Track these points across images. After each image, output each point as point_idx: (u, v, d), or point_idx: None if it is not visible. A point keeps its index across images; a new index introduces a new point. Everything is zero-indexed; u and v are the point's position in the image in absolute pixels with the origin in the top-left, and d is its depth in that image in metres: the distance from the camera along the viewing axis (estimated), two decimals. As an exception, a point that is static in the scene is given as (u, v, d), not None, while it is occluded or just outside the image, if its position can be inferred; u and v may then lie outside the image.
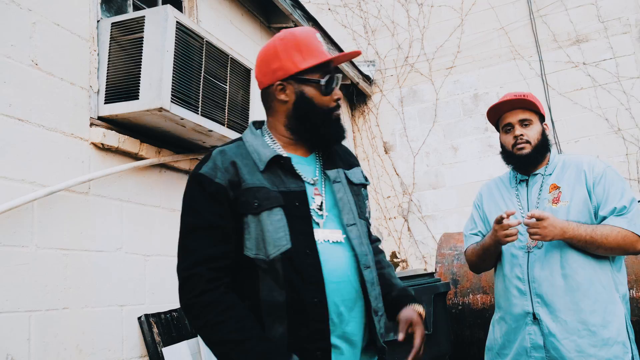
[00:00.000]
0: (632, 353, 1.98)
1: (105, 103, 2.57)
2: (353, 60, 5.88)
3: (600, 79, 5.42)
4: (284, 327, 1.34)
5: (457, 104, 5.98)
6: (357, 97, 6.29)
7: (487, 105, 5.80)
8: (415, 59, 6.22)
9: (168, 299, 2.78)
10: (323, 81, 1.44)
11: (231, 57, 2.95)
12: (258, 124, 1.57)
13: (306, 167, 1.50)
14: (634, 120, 5.24)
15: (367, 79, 6.16)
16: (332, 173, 1.52)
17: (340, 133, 1.52)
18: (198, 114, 2.67)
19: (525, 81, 5.70)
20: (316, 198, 1.45)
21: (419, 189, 6.01)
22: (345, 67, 5.51)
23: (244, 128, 3.08)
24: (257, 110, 3.65)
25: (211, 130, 2.78)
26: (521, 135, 2.13)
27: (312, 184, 1.47)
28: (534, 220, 1.94)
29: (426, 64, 6.17)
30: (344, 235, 1.46)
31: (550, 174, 2.16)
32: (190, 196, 1.42)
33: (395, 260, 5.92)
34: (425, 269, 4.49)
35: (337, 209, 1.47)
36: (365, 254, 1.46)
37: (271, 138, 1.50)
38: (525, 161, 2.14)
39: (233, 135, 2.94)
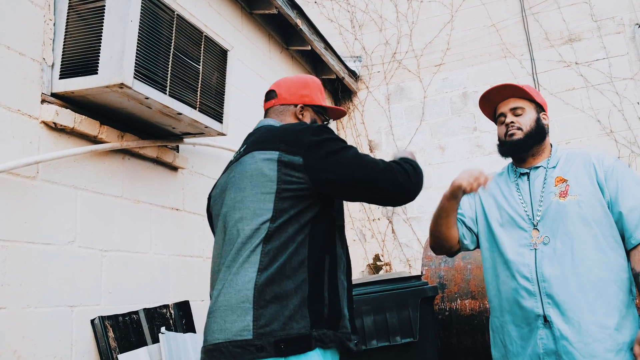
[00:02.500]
0: None
1: (60, 78, 2.29)
2: (339, 54, 5.64)
3: (592, 79, 5.26)
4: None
5: (446, 102, 5.78)
6: (342, 93, 6.06)
7: (476, 105, 5.60)
8: (403, 55, 6.01)
9: (127, 299, 2.50)
10: (329, 122, 1.99)
11: (206, 35, 2.69)
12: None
13: None
14: (627, 122, 5.08)
15: (353, 74, 5.93)
16: None
17: None
18: (165, 93, 2.40)
19: (516, 80, 5.51)
20: None
21: (405, 189, 5.78)
22: (330, 60, 5.28)
23: (219, 114, 2.81)
24: (233, 95, 3.38)
25: (180, 113, 2.51)
26: (512, 122, 2.06)
27: None
28: None
29: (414, 61, 5.96)
30: None
31: (554, 167, 2.02)
32: (337, 138, 1.68)
33: (378, 263, 5.68)
34: (409, 273, 4.27)
35: None
36: None
37: None
38: (517, 147, 2.04)
39: (205, 119, 2.68)
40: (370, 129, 6.02)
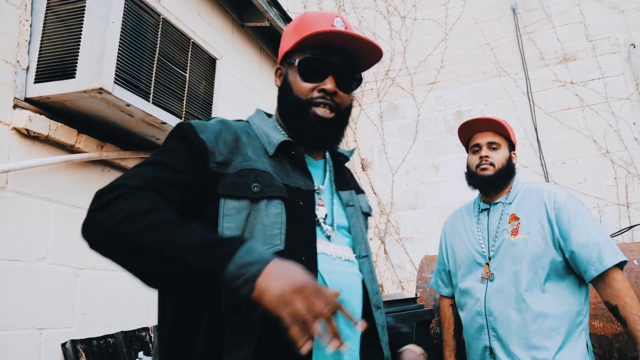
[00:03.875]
0: None
1: (35, 82, 2.15)
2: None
3: (588, 99, 5.19)
4: (250, 349, 0.98)
5: (439, 120, 5.68)
6: (334, 110, 5.94)
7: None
8: (397, 73, 5.93)
9: (103, 321, 2.32)
10: (296, 61, 1.20)
11: (193, 42, 2.56)
12: (266, 114, 1.33)
13: (316, 170, 1.26)
14: (623, 142, 5.00)
15: (346, 91, 5.82)
16: (345, 195, 1.29)
17: (316, 135, 1.20)
18: (149, 101, 2.26)
19: (510, 99, 5.44)
20: (320, 209, 1.19)
21: (397, 209, 5.65)
22: (322, 76, 5.18)
23: (206, 124, 2.67)
24: (221, 105, 3.25)
25: (164, 123, 2.36)
26: (487, 156, 2.12)
27: (317, 192, 1.22)
28: None
29: (408, 79, 5.88)
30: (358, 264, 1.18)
31: (511, 203, 2.11)
32: (166, 139, 1.15)
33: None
34: (403, 295, 4.11)
35: (348, 236, 1.23)
36: (376, 293, 1.22)
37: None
38: (486, 183, 2.12)
39: (191, 130, 2.53)
40: (363, 147, 5.90)
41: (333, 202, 1.24)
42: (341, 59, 1.20)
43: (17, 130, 2.06)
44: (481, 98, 5.57)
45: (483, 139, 2.16)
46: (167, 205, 1.00)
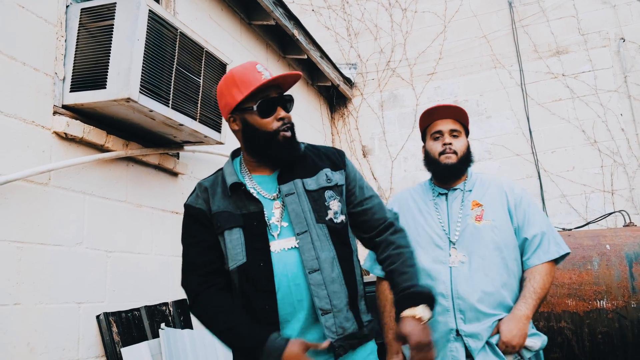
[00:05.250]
0: None
1: (70, 91, 2.47)
2: (334, 62, 5.83)
3: (578, 90, 5.46)
4: None
5: (437, 110, 5.96)
6: (337, 100, 6.24)
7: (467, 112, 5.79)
8: (397, 64, 6.20)
9: (130, 297, 2.68)
10: (255, 107, 1.59)
11: (206, 50, 2.87)
12: (236, 153, 1.78)
13: (269, 184, 1.67)
14: (610, 133, 5.28)
15: (348, 81, 6.11)
16: (284, 187, 1.64)
17: (287, 153, 1.63)
18: (168, 106, 2.58)
19: (505, 90, 5.71)
20: (276, 211, 1.62)
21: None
22: (326, 68, 5.46)
23: (217, 124, 3.00)
24: (231, 107, 3.56)
25: (182, 124, 2.69)
26: (450, 144, 2.15)
27: (273, 200, 1.63)
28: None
29: (407, 69, 6.15)
30: (297, 241, 1.60)
31: (470, 190, 2.19)
32: (183, 224, 1.71)
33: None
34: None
35: (288, 221, 1.61)
36: (313, 258, 1.56)
37: (241, 164, 1.72)
38: (450, 171, 2.15)
39: (205, 130, 2.86)
40: (364, 135, 6.20)
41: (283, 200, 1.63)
42: (276, 91, 1.63)
43: (57, 133, 2.39)
44: (477, 89, 5.84)
45: (445, 126, 2.16)
46: (221, 289, 1.64)
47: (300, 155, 1.69)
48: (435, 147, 2.17)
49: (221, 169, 1.72)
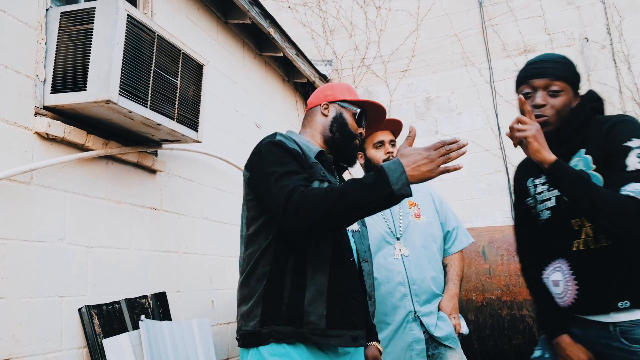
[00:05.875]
0: None
1: (51, 93, 2.55)
2: (310, 58, 5.94)
3: (544, 88, 5.66)
4: (325, 277, 1.67)
5: (410, 106, 6.14)
6: (313, 96, 6.36)
7: (438, 109, 5.98)
8: (372, 61, 6.35)
9: (111, 290, 2.79)
10: (357, 110, 1.94)
11: (183, 52, 2.97)
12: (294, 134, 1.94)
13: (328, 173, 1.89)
14: (574, 129, 5.51)
15: (324, 78, 6.24)
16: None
17: (355, 157, 1.97)
18: (147, 107, 2.68)
19: (475, 87, 5.91)
20: None
21: (371, 188, 6.14)
22: (302, 65, 5.58)
23: (194, 123, 3.10)
24: (208, 106, 3.67)
25: (160, 124, 2.79)
26: (392, 152, 2.60)
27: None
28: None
29: (382, 66, 6.31)
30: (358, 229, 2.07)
31: None
32: (274, 154, 1.67)
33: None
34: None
35: None
36: (365, 250, 2.02)
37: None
38: None
39: (182, 129, 2.97)
40: (340, 130, 6.34)
41: None
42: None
43: (39, 134, 2.48)
44: (448, 86, 6.03)
45: (387, 136, 2.61)
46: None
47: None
48: (379, 155, 2.59)
49: (282, 135, 1.80)
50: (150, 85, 2.72)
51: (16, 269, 2.29)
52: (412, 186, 2.46)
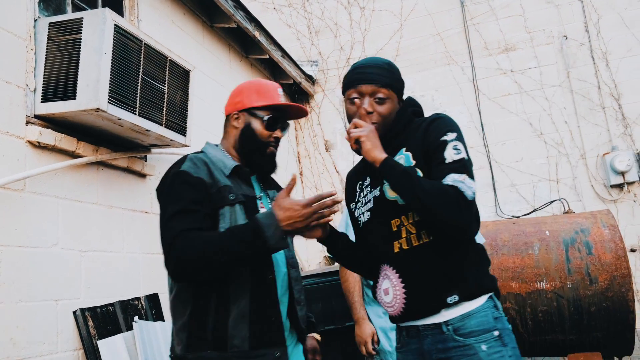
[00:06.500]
0: None
1: (42, 102, 2.62)
2: (296, 60, 6.02)
3: (525, 86, 5.80)
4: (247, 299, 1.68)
5: (395, 105, 6.23)
6: (299, 97, 6.45)
7: (423, 108, 6.07)
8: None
9: (104, 293, 2.86)
10: (266, 117, 1.84)
11: (170, 59, 3.04)
12: (214, 144, 1.93)
13: (253, 183, 1.87)
14: (555, 125, 5.65)
15: (310, 78, 6.32)
16: (272, 193, 1.91)
17: (269, 165, 1.89)
18: (136, 114, 2.76)
19: (458, 86, 6.02)
20: (261, 210, 1.78)
21: (358, 186, 6.24)
22: (287, 67, 5.66)
23: (182, 128, 3.18)
24: (195, 111, 3.74)
25: (149, 130, 2.87)
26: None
27: (258, 199, 1.82)
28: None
29: (367, 66, 6.38)
30: None
31: None
32: (173, 188, 1.69)
33: (330, 257, 6.12)
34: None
35: None
36: (292, 257, 1.87)
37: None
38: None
39: (170, 134, 3.04)
40: (327, 130, 6.44)
41: (268, 202, 1.87)
42: (284, 115, 1.91)
43: (30, 142, 2.54)
44: (432, 85, 6.13)
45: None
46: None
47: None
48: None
49: (201, 152, 1.84)
50: (139, 92, 2.79)
51: (12, 274, 2.35)
52: None
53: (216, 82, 4.51)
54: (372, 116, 1.69)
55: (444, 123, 1.65)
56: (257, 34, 4.88)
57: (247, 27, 4.71)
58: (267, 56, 5.24)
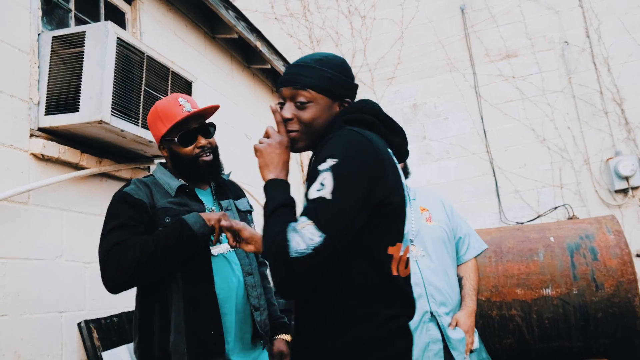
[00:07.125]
0: None
1: (45, 114, 2.63)
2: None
3: (527, 92, 5.81)
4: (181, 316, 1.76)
5: (398, 112, 6.25)
6: (302, 105, 6.46)
7: (425, 115, 6.10)
8: (358, 69, 6.46)
9: (108, 304, 2.86)
10: (176, 139, 1.90)
11: (172, 71, 3.06)
12: (165, 164, 2.04)
13: (206, 197, 1.98)
14: (557, 130, 5.65)
15: (312, 87, 6.33)
16: (224, 202, 1.99)
17: (208, 174, 1.96)
18: (138, 125, 2.77)
19: (460, 93, 6.03)
20: None
21: (361, 194, 6.23)
22: (289, 76, 5.67)
23: (185, 138, 3.19)
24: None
25: (152, 142, 2.88)
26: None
27: (211, 211, 1.92)
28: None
29: (368, 74, 6.42)
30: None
31: (414, 199, 2.65)
32: (113, 208, 1.83)
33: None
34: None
35: None
36: (248, 264, 1.92)
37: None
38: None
39: (174, 145, 3.05)
40: (329, 138, 6.44)
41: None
42: (197, 121, 1.93)
43: (34, 155, 2.56)
44: (434, 92, 6.15)
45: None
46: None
47: (226, 179, 2.05)
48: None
49: (151, 175, 1.98)
50: (141, 104, 2.80)
51: (16, 286, 2.36)
52: (423, 193, 2.61)
53: (219, 92, 4.53)
54: (292, 124, 1.43)
55: (330, 145, 1.31)
56: (258, 44, 4.91)
57: (249, 37, 4.74)
58: (269, 66, 5.27)
